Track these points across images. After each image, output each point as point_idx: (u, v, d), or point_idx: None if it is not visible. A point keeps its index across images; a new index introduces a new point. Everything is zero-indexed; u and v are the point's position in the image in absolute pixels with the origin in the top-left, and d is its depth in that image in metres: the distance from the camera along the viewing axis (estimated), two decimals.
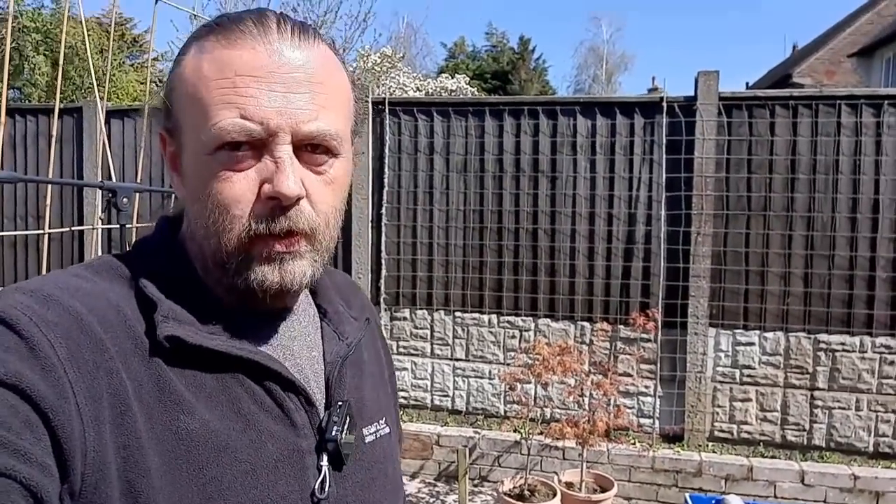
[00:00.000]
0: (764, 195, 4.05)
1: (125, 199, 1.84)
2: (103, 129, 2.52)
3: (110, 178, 4.64)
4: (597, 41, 34.41)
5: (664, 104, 4.12)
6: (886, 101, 3.88)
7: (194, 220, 0.64)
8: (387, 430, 0.77)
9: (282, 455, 0.62)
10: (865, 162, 3.93)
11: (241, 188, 0.60)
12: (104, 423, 0.52)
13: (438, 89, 14.30)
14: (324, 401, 0.69)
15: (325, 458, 0.65)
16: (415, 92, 13.22)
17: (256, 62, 0.59)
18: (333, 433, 0.65)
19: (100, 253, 4.59)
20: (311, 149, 0.62)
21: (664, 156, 4.13)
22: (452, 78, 16.14)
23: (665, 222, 4.14)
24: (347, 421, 0.67)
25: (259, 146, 0.60)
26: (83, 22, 2.61)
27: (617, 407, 3.68)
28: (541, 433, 3.76)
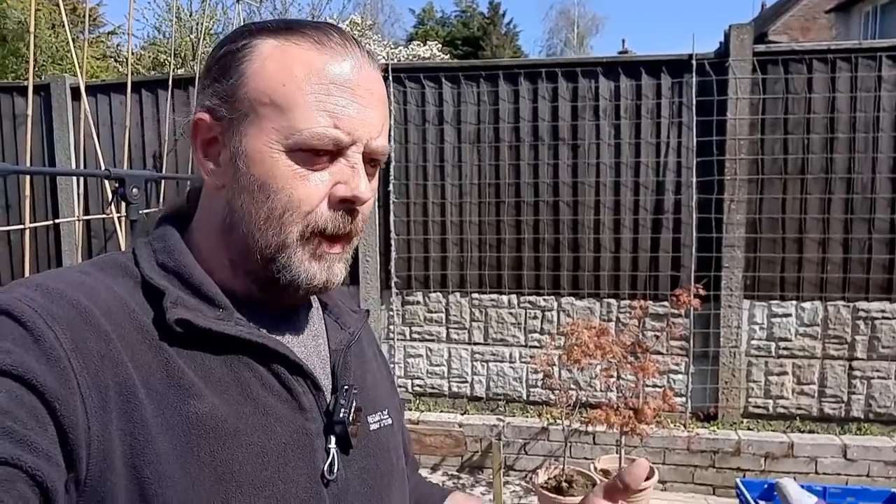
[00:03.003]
0: (801, 157, 3.80)
1: (135, 189, 1.48)
2: (86, 106, 2.13)
3: (84, 163, 4.20)
4: (567, 4, 33.90)
5: (693, 62, 3.82)
6: None
7: (248, 211, 0.63)
8: (389, 421, 0.77)
9: (291, 438, 0.62)
10: None
11: (315, 187, 0.62)
12: (110, 413, 0.53)
13: (410, 57, 13.82)
14: (330, 387, 0.70)
15: (332, 440, 0.65)
16: (386, 60, 12.70)
17: (349, 74, 0.62)
18: (341, 415, 0.66)
19: (79, 249, 4.17)
20: (368, 161, 0.65)
21: (694, 118, 3.85)
22: (424, 45, 15.64)
23: (696, 189, 3.88)
24: (353, 404, 0.67)
25: (335, 151, 0.62)
26: None
27: (662, 389, 3.45)
28: (579, 421, 3.52)
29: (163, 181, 3.45)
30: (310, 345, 0.71)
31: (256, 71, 0.62)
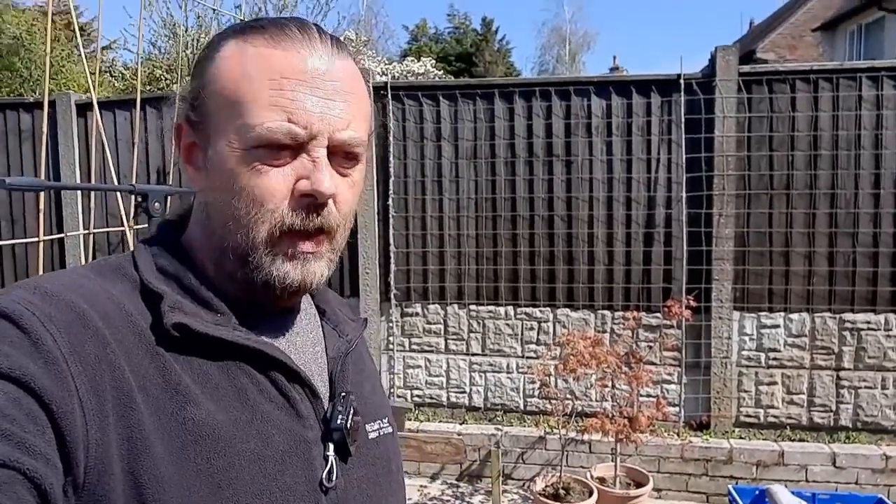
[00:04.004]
0: (786, 173, 3.94)
1: (157, 204, 1.58)
2: (100, 123, 2.23)
3: (90, 178, 4.29)
4: (559, 21, 34.32)
5: (682, 82, 3.96)
6: None
7: (219, 212, 0.63)
8: (389, 429, 0.77)
9: (288, 445, 0.62)
10: (887, 136, 3.84)
11: (277, 183, 0.61)
12: (107, 417, 0.52)
13: (405, 73, 13.99)
14: (328, 394, 0.69)
15: (331, 448, 0.65)
16: (381, 76, 12.88)
17: (303, 67, 0.61)
18: (338, 422, 0.65)
19: (83, 263, 4.24)
20: (340, 154, 0.63)
21: (683, 135, 3.98)
22: (418, 61, 15.84)
23: (686, 204, 4.00)
24: (351, 412, 0.67)
25: (295, 146, 0.61)
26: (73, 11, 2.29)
27: (655, 399, 3.55)
28: (575, 429, 3.61)
29: (168, 196, 3.54)
30: (308, 351, 0.71)
31: (215, 74, 0.63)
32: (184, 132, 0.67)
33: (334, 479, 0.64)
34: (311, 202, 0.62)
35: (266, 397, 0.62)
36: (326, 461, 0.64)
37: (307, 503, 0.62)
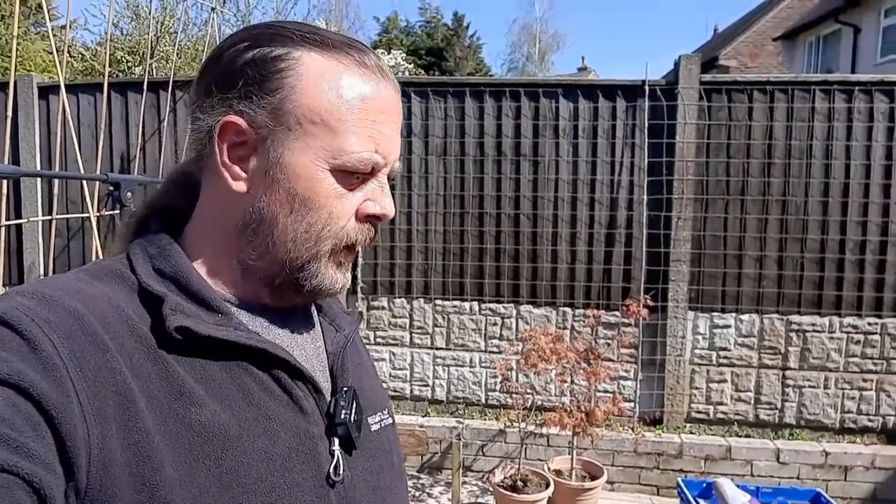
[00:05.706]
0: (741, 180, 4.10)
1: (129, 194, 1.59)
2: (67, 107, 2.21)
3: (49, 163, 4.20)
4: (529, 19, 34.53)
5: (646, 88, 4.09)
6: (857, 88, 3.98)
7: (280, 222, 0.65)
8: (390, 420, 0.79)
9: (294, 442, 0.63)
10: (837, 147, 4.03)
11: (350, 204, 0.66)
12: (109, 422, 0.52)
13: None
14: (330, 389, 0.71)
15: (336, 442, 0.66)
16: None
17: (387, 101, 0.66)
18: (342, 417, 0.67)
19: (41, 248, 4.15)
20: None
21: (646, 140, 4.11)
22: (389, 53, 15.79)
23: (647, 207, 4.14)
24: (354, 405, 0.69)
25: (369, 172, 0.66)
26: None
27: (612, 394, 3.67)
28: (534, 423, 3.71)
29: (144, 186, 3.51)
30: (308, 347, 0.72)
31: (307, 88, 0.63)
32: (236, 130, 0.64)
33: (341, 472, 0.66)
34: (375, 222, 0.69)
35: (270, 395, 0.63)
36: (332, 455, 0.66)
37: (316, 498, 0.63)
